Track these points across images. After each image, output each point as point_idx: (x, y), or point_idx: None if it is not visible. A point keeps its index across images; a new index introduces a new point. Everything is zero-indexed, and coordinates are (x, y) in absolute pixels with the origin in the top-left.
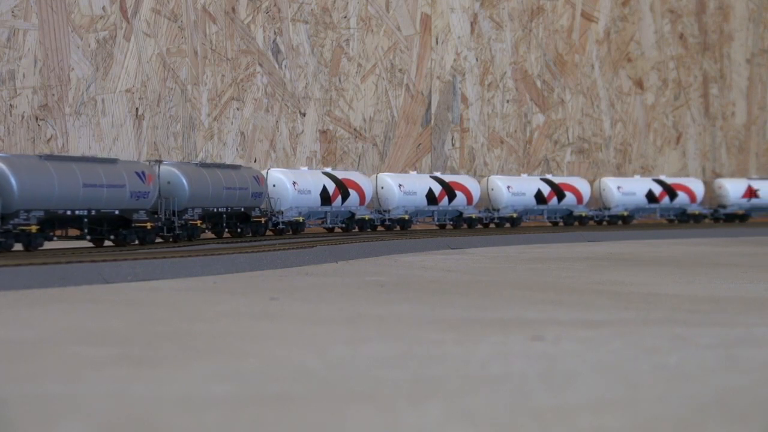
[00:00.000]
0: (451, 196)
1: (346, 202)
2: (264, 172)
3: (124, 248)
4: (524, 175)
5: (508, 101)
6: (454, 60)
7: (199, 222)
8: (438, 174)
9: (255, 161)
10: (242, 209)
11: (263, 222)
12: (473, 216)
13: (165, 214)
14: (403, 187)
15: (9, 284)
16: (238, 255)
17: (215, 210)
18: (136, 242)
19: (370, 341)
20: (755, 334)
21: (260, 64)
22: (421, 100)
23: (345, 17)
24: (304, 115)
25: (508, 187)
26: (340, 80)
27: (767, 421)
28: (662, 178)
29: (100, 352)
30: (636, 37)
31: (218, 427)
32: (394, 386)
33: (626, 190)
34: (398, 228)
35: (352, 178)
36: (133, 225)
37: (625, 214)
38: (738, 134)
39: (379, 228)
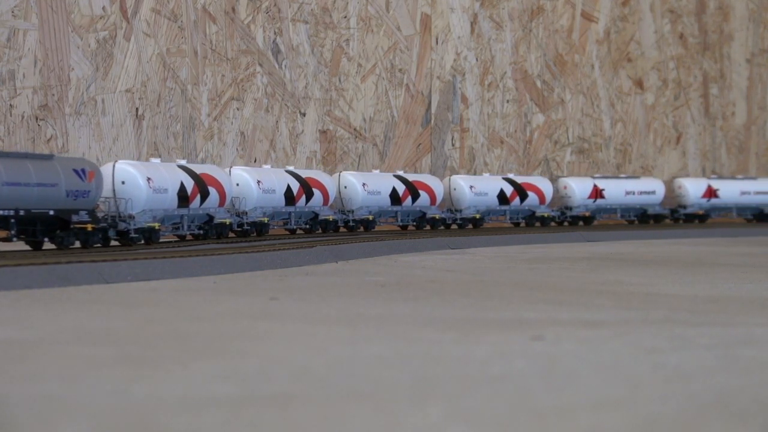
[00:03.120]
0: (309, 195)
1: (206, 203)
2: (110, 166)
3: (124, 248)
4: (376, 171)
5: (508, 101)
6: (454, 60)
7: None
8: (292, 168)
9: (255, 161)
10: (51, 212)
11: (90, 229)
12: (330, 218)
13: None
14: (262, 183)
15: (9, 284)
16: (238, 255)
17: None
18: None
19: (370, 341)
20: (755, 334)
21: (260, 64)
22: (421, 100)
23: (345, 17)
24: (304, 115)
25: (364, 184)
26: (340, 80)
27: (767, 421)
28: (512, 176)
29: (100, 352)
30: (636, 37)
31: (218, 427)
32: (394, 386)
33: (479, 190)
34: (254, 234)
35: (211, 174)
36: None
37: (477, 216)
38: (738, 134)
39: (232, 235)
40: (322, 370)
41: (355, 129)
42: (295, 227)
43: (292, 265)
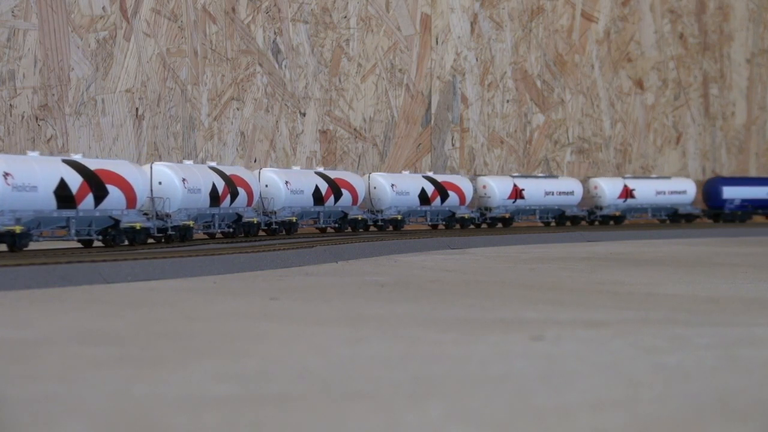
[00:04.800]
0: (234, 195)
1: (104, 204)
2: None
3: (124, 248)
4: (296, 168)
5: (508, 101)
6: (454, 60)
7: None
8: (215, 164)
9: (255, 161)
10: None
11: None
12: (254, 220)
13: None
14: (187, 182)
15: (9, 284)
16: (238, 255)
17: None
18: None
19: (370, 341)
20: (755, 334)
21: (260, 64)
22: (421, 100)
23: (345, 17)
24: (304, 115)
25: (287, 182)
26: (340, 80)
27: (767, 421)
28: (431, 174)
29: (100, 352)
30: (636, 37)
31: (218, 427)
32: (394, 386)
33: (400, 188)
34: (178, 239)
35: (114, 171)
36: None
37: (399, 217)
38: (738, 134)
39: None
40: (322, 370)
41: (355, 129)
42: (217, 231)
43: (292, 265)
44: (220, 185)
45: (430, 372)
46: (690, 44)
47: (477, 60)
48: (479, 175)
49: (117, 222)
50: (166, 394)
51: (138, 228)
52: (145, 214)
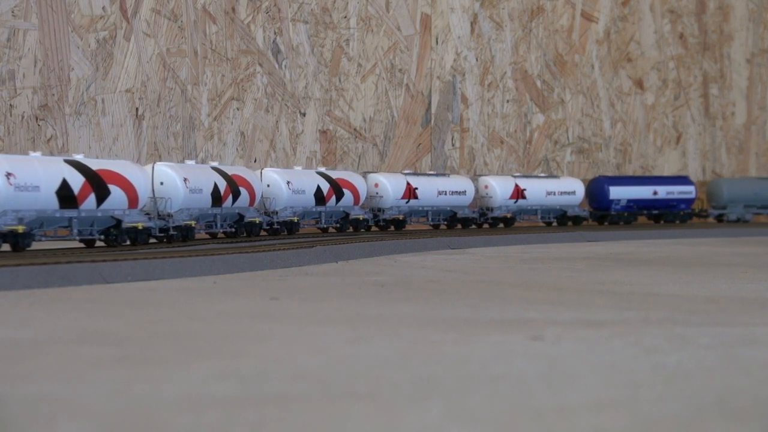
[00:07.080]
0: (103, 195)
1: None
2: None
3: (124, 248)
4: (191, 162)
5: (508, 101)
6: (454, 60)
7: None
8: (81, 158)
9: (255, 161)
10: None
11: None
12: (139, 225)
13: None
14: (14, 177)
15: (9, 284)
16: (238, 255)
17: None
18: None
19: (370, 341)
20: (755, 334)
21: (260, 64)
22: (421, 100)
23: (345, 17)
24: (304, 115)
25: (185, 180)
26: (340, 80)
27: (767, 421)
28: (324, 170)
29: (100, 352)
30: (636, 37)
31: (218, 427)
32: (394, 386)
33: (296, 186)
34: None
35: None
36: None
37: (295, 219)
38: (738, 134)
39: None
40: (322, 370)
41: (355, 129)
42: (79, 238)
43: (292, 265)
44: (78, 182)
45: (430, 372)
46: (690, 44)
47: (477, 60)
48: (370, 172)
49: None
50: (166, 394)
51: None
52: None
